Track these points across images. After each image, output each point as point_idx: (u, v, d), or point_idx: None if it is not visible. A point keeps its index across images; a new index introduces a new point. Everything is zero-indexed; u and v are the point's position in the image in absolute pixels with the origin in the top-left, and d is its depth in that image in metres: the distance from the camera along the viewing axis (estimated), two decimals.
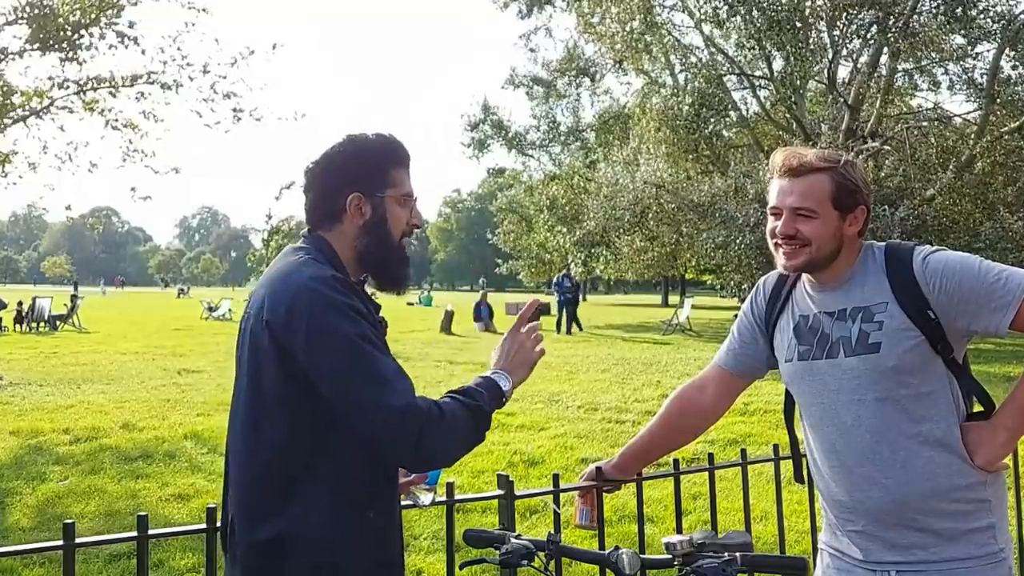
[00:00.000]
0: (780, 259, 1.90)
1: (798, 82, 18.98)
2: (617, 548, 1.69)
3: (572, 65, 29.32)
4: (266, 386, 1.56)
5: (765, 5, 17.96)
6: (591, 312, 32.80)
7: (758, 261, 17.56)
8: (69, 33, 11.79)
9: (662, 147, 21.51)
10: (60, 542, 1.80)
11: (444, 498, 2.13)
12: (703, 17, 21.47)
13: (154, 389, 10.75)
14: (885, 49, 18.97)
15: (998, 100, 17.67)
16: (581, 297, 33.79)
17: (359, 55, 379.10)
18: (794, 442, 2.16)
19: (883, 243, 1.93)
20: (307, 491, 1.54)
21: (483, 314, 23.15)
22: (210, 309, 29.80)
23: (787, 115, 20.80)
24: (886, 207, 16.75)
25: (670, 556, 1.66)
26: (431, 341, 18.66)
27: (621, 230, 23.44)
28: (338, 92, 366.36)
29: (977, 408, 1.88)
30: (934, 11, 18.00)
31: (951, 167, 17.50)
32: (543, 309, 25.97)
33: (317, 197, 1.71)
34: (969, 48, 18.83)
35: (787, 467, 2.32)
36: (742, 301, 3.45)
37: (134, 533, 1.86)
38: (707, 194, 19.31)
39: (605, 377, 11.94)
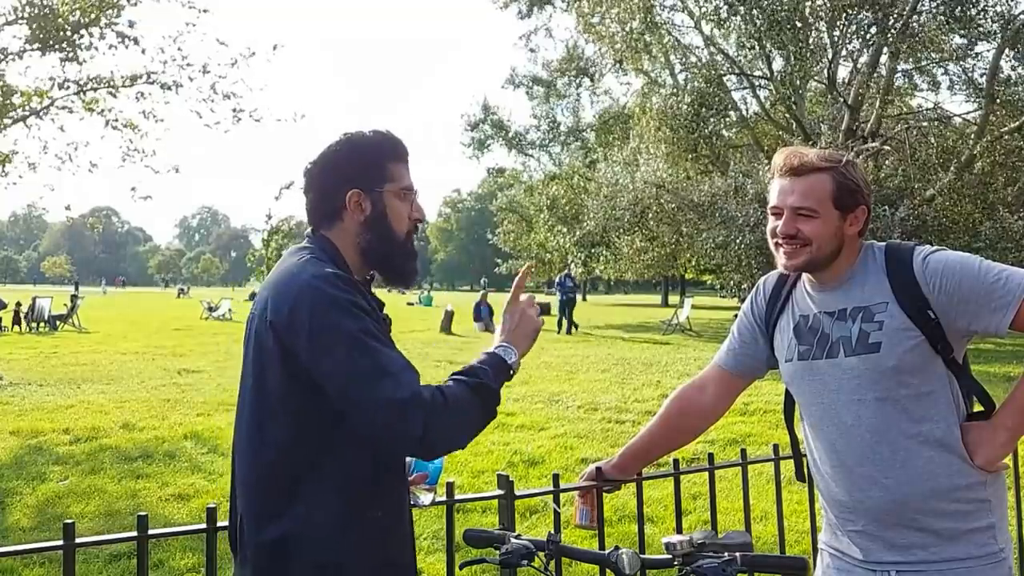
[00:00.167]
0: (781, 259, 1.90)
1: (798, 82, 18.99)
2: (617, 548, 1.69)
3: (572, 65, 29.35)
4: (270, 387, 1.56)
5: (765, 5, 17.96)
6: (591, 312, 32.81)
7: (758, 261, 17.57)
8: (69, 33, 11.80)
9: (662, 147, 21.51)
10: (60, 542, 1.79)
11: (444, 498, 2.13)
12: (703, 16, 21.48)
13: (154, 389, 10.75)
14: (885, 49, 18.98)
15: (998, 100, 17.67)
16: (581, 297, 33.77)
17: (359, 55, 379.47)
18: (794, 442, 2.16)
19: (883, 243, 1.93)
20: (312, 491, 1.54)
21: (483, 314, 23.14)
22: (210, 309, 29.81)
23: (787, 115, 20.80)
24: (886, 207, 16.75)
25: (670, 556, 1.65)
26: (431, 341, 18.65)
27: (621, 230, 23.45)
28: (338, 92, 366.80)
29: (977, 408, 1.88)
30: (934, 11, 18.02)
31: (952, 168, 17.51)
32: (543, 309, 25.98)
33: (317, 197, 1.71)
34: (969, 48, 18.85)
35: (787, 467, 2.32)
36: (742, 301, 3.45)
37: (134, 533, 1.86)
38: (707, 194, 19.31)
39: (605, 377, 11.94)
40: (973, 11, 17.42)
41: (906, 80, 22.23)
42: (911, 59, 19.94)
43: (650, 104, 23.12)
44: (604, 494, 2.26)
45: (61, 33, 11.68)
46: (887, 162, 19.32)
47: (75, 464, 6.74)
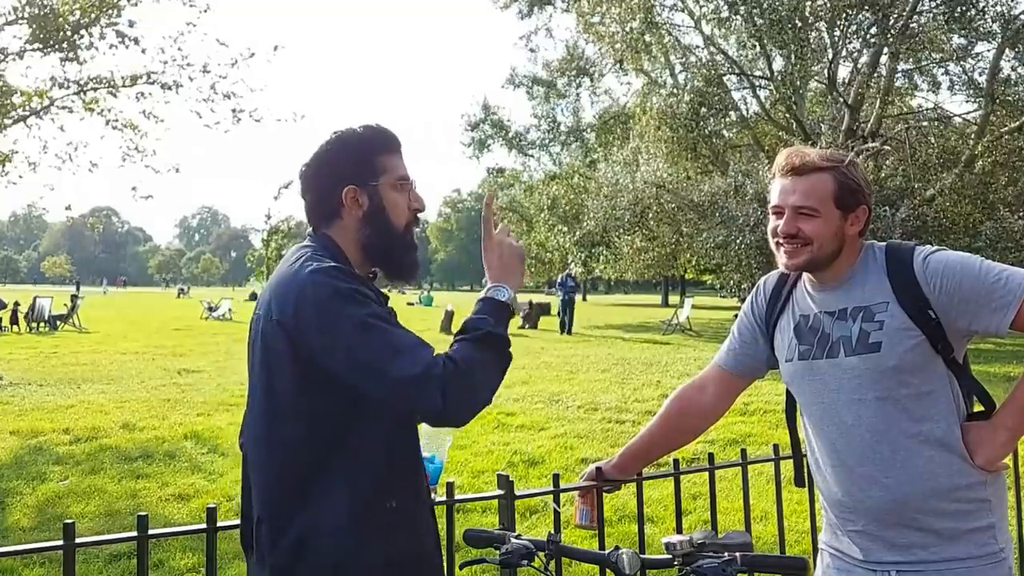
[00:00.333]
0: (781, 258, 1.90)
1: (798, 82, 18.97)
2: (617, 548, 1.69)
3: (572, 65, 29.31)
4: (280, 388, 1.57)
5: (766, 5, 17.97)
6: (591, 312, 32.81)
7: (758, 261, 17.57)
8: (69, 33, 11.79)
9: (662, 147, 21.49)
10: (60, 542, 1.79)
11: (444, 498, 2.13)
12: (704, 16, 21.47)
13: (154, 389, 10.75)
14: (885, 50, 18.97)
15: (998, 100, 17.67)
16: (581, 297, 33.74)
17: (359, 54, 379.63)
18: (795, 442, 2.16)
19: (884, 243, 1.93)
20: (326, 490, 1.55)
21: None
22: (210, 309, 29.81)
23: (787, 115, 20.78)
24: (887, 208, 16.74)
25: (670, 556, 1.65)
26: (431, 341, 18.48)
27: (621, 230, 23.43)
28: (338, 91, 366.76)
29: (977, 408, 1.88)
30: (934, 12, 18.01)
31: (953, 169, 17.51)
32: (543, 309, 25.98)
33: (314, 198, 1.71)
34: (969, 48, 18.85)
35: (787, 467, 2.32)
36: (742, 301, 3.45)
37: (134, 533, 1.86)
38: (707, 194, 19.31)
39: (605, 377, 11.94)
40: (973, 11, 17.42)
41: (906, 80, 22.22)
42: (911, 59, 19.94)
43: (650, 104, 23.09)
44: (604, 494, 2.26)
45: (61, 33, 11.68)
46: (887, 162, 19.31)
47: (75, 464, 6.74)
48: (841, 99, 19.40)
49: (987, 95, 17.73)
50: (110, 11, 12.05)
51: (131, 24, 12.36)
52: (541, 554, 1.75)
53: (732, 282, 22.14)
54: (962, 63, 19.30)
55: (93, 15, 11.88)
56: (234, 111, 13.15)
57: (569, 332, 21.36)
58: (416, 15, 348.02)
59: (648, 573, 2.28)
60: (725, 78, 21.53)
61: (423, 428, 1.83)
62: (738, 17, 19.91)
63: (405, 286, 1.83)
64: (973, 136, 18.32)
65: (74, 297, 25.53)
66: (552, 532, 1.78)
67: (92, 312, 28.55)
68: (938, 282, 1.77)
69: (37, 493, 5.95)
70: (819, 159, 1.85)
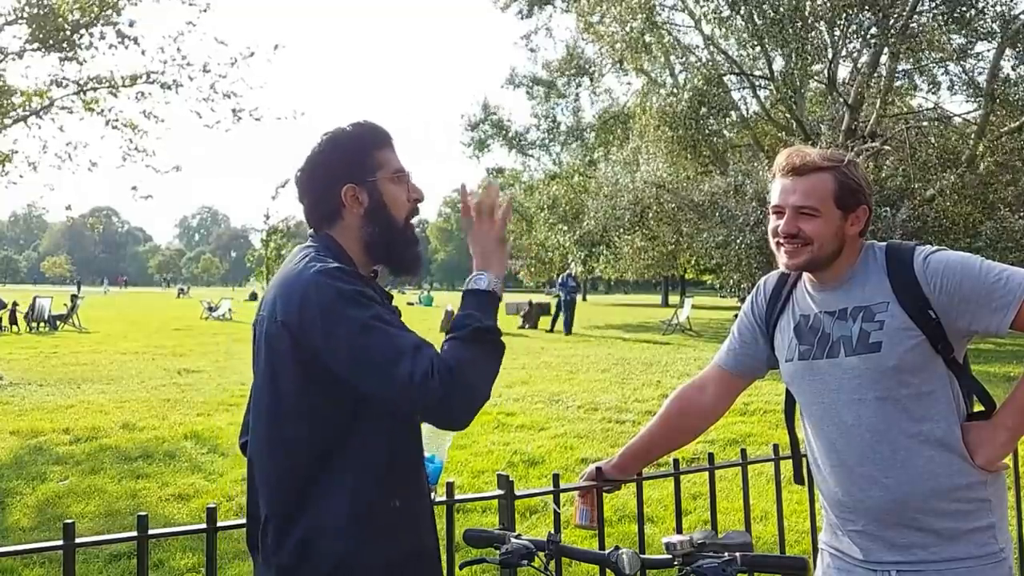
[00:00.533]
0: (782, 258, 1.90)
1: (798, 82, 18.98)
2: (617, 548, 1.69)
3: (572, 65, 29.30)
4: (284, 388, 1.57)
5: (766, 4, 17.96)
6: (591, 312, 32.81)
7: (758, 261, 17.56)
8: (69, 33, 11.79)
9: (662, 147, 21.49)
10: (60, 542, 1.79)
11: (444, 498, 2.13)
12: (704, 16, 21.46)
13: (154, 389, 10.75)
14: (885, 50, 18.97)
15: (998, 100, 17.67)
16: (581, 297, 33.72)
17: (359, 54, 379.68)
18: (795, 442, 2.16)
19: (884, 243, 1.93)
20: (327, 492, 1.55)
21: None
22: (210, 309, 29.81)
23: (787, 115, 20.78)
24: (887, 208, 16.74)
25: (670, 556, 1.65)
26: (431, 341, 18.63)
27: (621, 230, 23.43)
28: (337, 91, 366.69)
29: (977, 408, 1.88)
30: (934, 12, 18.00)
31: (954, 169, 17.50)
32: (543, 309, 25.96)
33: (312, 201, 1.72)
34: (969, 48, 18.83)
35: (787, 467, 2.32)
36: (742, 301, 3.45)
37: (134, 533, 1.86)
38: (707, 193, 19.29)
39: (605, 377, 11.94)
40: (973, 11, 17.42)
41: (906, 80, 22.19)
42: (911, 59, 19.91)
43: (650, 104, 23.08)
44: (604, 494, 2.26)
45: (61, 33, 11.67)
46: (887, 162, 19.30)
47: (75, 464, 6.74)
48: (841, 99, 19.39)
49: (987, 95, 17.72)
50: (110, 11, 12.05)
51: (131, 24, 12.37)
52: (541, 554, 1.75)
53: (732, 282, 22.13)
54: (962, 63, 19.27)
55: (93, 15, 11.88)
56: (234, 110, 13.15)
57: (568, 332, 21.36)
58: (416, 15, 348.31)
59: (648, 573, 2.28)
60: (725, 78, 21.52)
61: (423, 428, 1.83)
62: (738, 17, 19.91)
63: (409, 282, 1.79)
64: (973, 136, 18.32)
65: (74, 297, 25.53)
66: (552, 532, 1.78)
67: (92, 312, 28.56)
68: (938, 282, 1.77)
69: (37, 493, 5.95)
70: (819, 159, 1.85)
